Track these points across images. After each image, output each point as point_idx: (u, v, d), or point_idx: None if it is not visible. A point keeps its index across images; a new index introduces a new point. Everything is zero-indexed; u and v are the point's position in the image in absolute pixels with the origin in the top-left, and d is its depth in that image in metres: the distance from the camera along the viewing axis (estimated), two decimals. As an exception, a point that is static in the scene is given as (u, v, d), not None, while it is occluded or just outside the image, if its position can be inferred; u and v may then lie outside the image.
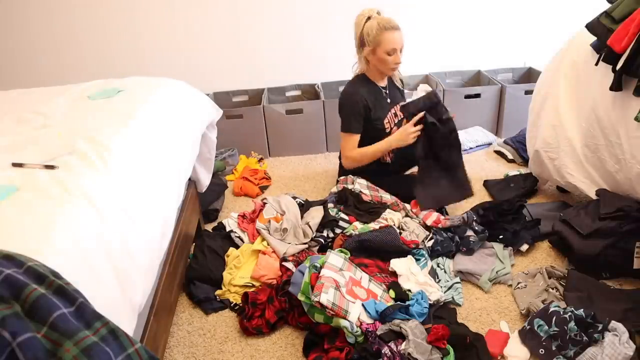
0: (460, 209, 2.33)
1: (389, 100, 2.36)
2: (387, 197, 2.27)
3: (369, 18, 2.17)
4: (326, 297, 1.55)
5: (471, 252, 1.99)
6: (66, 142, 1.43)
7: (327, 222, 2.12)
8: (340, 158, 2.55)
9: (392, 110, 2.37)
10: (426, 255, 1.97)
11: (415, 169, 2.58)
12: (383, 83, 2.36)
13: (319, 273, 1.66)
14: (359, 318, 1.58)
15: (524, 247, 2.01)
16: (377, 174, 2.41)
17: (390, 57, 2.18)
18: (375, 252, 1.95)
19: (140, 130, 1.61)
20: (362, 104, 2.25)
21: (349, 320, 1.55)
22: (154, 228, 1.40)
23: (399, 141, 2.22)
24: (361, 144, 2.32)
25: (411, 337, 1.48)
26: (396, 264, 1.87)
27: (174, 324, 1.80)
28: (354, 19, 2.24)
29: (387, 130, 2.34)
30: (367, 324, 1.56)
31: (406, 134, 2.19)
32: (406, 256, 1.92)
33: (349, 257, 1.83)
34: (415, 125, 2.18)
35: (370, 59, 2.23)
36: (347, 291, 1.64)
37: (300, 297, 1.63)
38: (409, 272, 1.85)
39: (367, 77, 2.31)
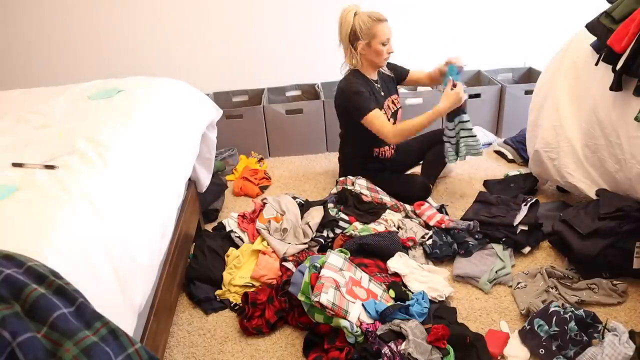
0: (460, 209, 2.33)
1: (382, 94, 2.38)
2: (387, 199, 2.27)
3: (355, 13, 2.21)
4: (326, 297, 1.55)
5: (470, 253, 1.99)
6: (66, 142, 1.43)
7: (327, 222, 2.12)
8: (340, 159, 2.55)
9: (386, 102, 2.39)
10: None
11: (415, 169, 2.59)
12: (374, 77, 2.39)
13: (319, 273, 1.66)
14: (359, 318, 1.58)
15: (526, 249, 2.01)
16: (377, 171, 2.41)
17: (384, 47, 2.23)
18: (375, 255, 1.95)
19: (140, 130, 1.61)
20: (365, 89, 2.26)
21: (349, 320, 1.55)
22: (154, 228, 1.40)
23: (452, 105, 2.23)
24: (359, 135, 2.32)
25: (411, 337, 1.48)
26: (394, 264, 1.88)
27: (174, 324, 1.80)
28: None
29: None
30: (367, 324, 1.56)
31: (455, 94, 2.21)
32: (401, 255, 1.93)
33: (349, 257, 1.83)
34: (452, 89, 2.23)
35: (365, 53, 2.25)
36: (347, 291, 1.64)
37: (300, 297, 1.63)
38: (411, 268, 1.85)
39: (360, 72, 2.34)
